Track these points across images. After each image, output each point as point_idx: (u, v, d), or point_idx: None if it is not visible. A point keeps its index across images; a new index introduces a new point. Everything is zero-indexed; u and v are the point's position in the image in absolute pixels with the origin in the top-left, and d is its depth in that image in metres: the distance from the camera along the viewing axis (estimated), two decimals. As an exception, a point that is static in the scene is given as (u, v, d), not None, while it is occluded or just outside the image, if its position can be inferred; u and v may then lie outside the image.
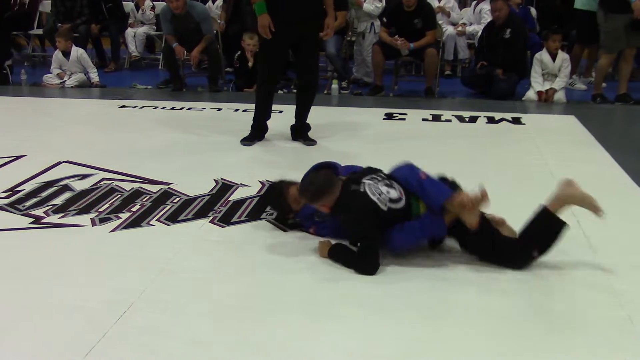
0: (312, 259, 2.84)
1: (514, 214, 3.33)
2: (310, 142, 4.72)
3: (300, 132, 4.80)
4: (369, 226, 2.69)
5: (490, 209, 3.31)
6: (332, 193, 2.76)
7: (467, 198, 2.66)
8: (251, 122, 4.80)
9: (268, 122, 4.85)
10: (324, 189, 2.77)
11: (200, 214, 3.34)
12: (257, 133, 4.80)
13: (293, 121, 4.85)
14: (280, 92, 6.57)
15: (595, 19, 6.26)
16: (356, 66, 7.64)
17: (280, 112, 5.33)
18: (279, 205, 3.17)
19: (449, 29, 7.77)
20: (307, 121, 4.78)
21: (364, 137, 4.96)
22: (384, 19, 6.80)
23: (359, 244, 2.73)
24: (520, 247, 2.72)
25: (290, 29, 4.31)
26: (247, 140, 4.74)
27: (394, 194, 2.75)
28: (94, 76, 7.29)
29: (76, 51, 7.24)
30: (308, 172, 3.07)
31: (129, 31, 8.58)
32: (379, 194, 2.72)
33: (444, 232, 2.79)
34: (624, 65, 6.34)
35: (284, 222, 3.20)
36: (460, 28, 7.85)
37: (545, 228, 2.74)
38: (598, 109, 6.18)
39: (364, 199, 2.70)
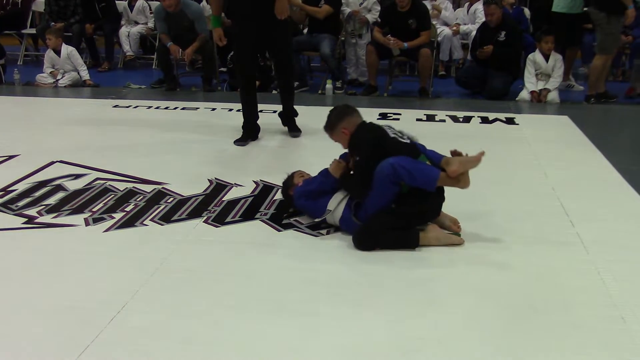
0: (306, 258, 2.85)
1: (508, 213, 3.35)
2: (295, 132, 4.94)
3: (286, 118, 5.01)
4: (371, 150, 2.89)
5: (484, 209, 3.34)
6: (352, 116, 3.08)
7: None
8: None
9: (260, 123, 4.88)
10: (346, 110, 3.12)
11: (194, 214, 3.34)
12: (249, 133, 4.83)
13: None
14: (274, 92, 6.58)
15: (574, 21, 6.47)
16: (351, 67, 7.62)
17: (274, 112, 5.33)
18: (285, 185, 3.36)
19: (445, 30, 7.78)
20: (295, 111, 5.02)
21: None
22: (378, 19, 6.80)
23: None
24: (370, 235, 2.88)
25: (251, 24, 4.52)
26: (241, 141, 4.75)
27: (402, 135, 3.05)
28: (85, 74, 7.28)
29: (66, 48, 7.24)
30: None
31: (123, 30, 8.56)
32: (389, 127, 3.07)
33: (432, 185, 2.84)
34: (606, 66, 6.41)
35: (279, 221, 3.21)
36: (454, 28, 7.86)
37: (402, 240, 2.90)
38: (591, 109, 6.20)
39: (376, 125, 3.09)
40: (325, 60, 7.06)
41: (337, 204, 3.02)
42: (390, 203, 2.89)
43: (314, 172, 3.26)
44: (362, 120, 3.10)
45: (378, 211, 2.89)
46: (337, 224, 3.04)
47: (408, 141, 3.02)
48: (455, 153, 2.96)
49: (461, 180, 2.86)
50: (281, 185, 3.43)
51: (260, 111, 4.90)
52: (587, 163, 4.31)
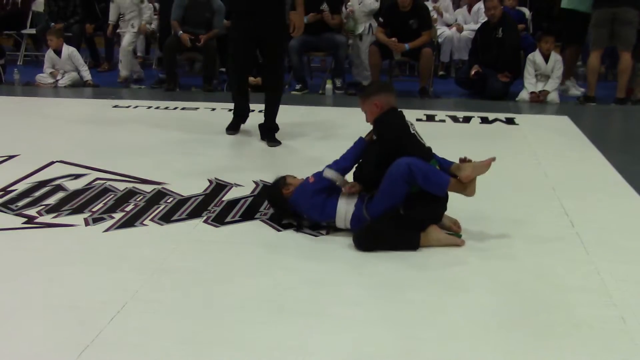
0: (306, 258, 2.85)
1: (508, 213, 3.35)
2: (274, 143, 4.74)
3: (265, 132, 4.81)
4: (395, 137, 2.92)
5: (484, 209, 3.33)
6: (389, 95, 3.10)
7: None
8: (251, 123, 4.95)
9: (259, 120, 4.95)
10: (386, 86, 3.25)
11: (194, 214, 3.34)
12: (237, 120, 5.03)
13: (286, 123, 4.92)
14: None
15: (580, 19, 6.37)
16: (354, 68, 7.56)
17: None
18: (274, 191, 3.22)
19: (445, 31, 7.77)
20: (277, 126, 4.84)
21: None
22: (380, 19, 6.79)
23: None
24: (371, 236, 2.88)
25: (247, 19, 4.52)
26: (231, 130, 4.97)
27: (420, 136, 3.04)
28: (86, 74, 7.29)
29: (67, 49, 7.24)
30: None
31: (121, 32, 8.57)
32: (411, 123, 3.04)
33: (444, 190, 2.89)
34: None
35: (278, 221, 3.21)
36: (457, 26, 7.84)
37: (403, 241, 2.89)
38: (591, 109, 6.20)
39: (404, 116, 3.06)
40: (338, 61, 7.00)
41: (347, 201, 2.99)
42: (398, 203, 2.88)
43: (309, 173, 3.23)
44: (396, 106, 3.09)
45: (383, 213, 2.89)
46: (349, 226, 3.00)
47: (424, 143, 3.02)
48: (464, 160, 2.99)
49: (468, 188, 2.92)
50: (268, 191, 3.35)
51: (260, 111, 4.90)
52: (586, 163, 4.32)
